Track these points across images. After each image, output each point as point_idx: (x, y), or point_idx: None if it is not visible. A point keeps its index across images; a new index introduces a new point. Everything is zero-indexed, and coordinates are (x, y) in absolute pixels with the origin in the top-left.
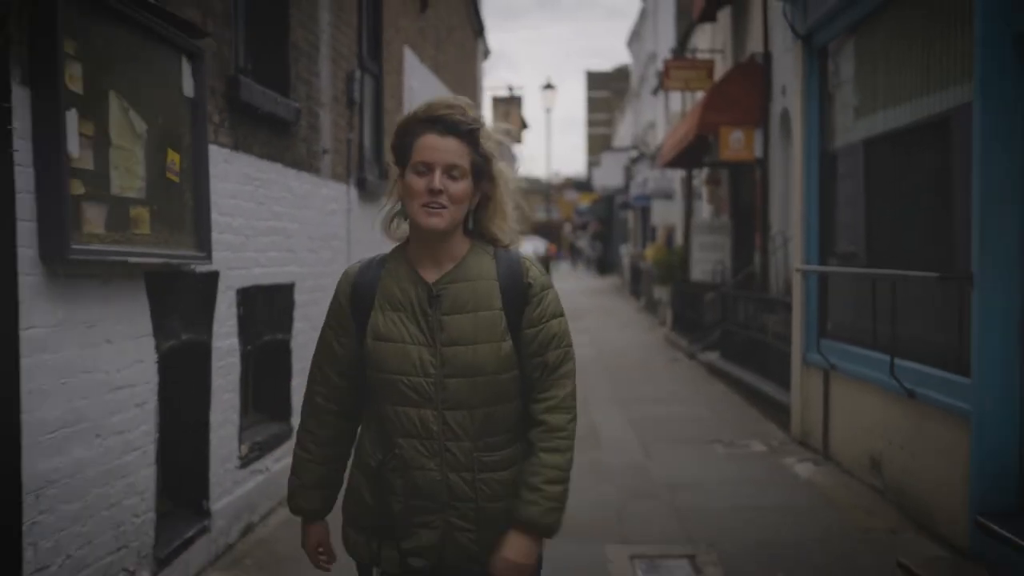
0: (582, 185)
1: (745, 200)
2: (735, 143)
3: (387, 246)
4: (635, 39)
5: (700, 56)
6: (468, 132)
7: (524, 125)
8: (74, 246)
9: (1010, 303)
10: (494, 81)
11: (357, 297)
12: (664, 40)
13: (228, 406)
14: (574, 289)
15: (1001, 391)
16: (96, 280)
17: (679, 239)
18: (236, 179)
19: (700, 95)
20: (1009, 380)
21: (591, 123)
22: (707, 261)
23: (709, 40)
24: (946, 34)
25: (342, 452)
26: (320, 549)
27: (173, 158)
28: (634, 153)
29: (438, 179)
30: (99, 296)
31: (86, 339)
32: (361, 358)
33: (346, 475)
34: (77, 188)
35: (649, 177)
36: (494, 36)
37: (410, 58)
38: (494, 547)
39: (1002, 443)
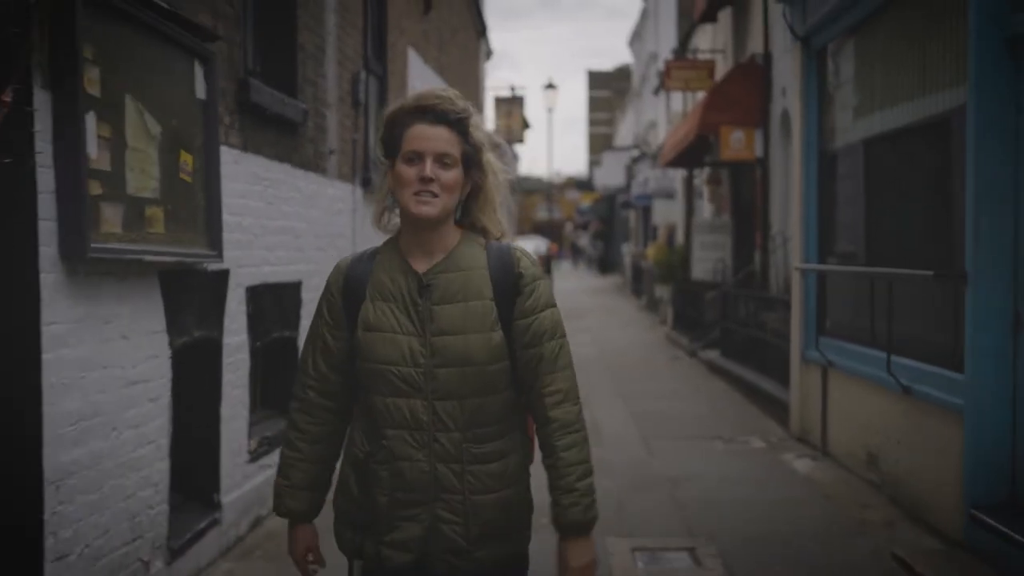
0: (583, 184)
1: (746, 199)
2: (736, 143)
3: None
4: (636, 39)
5: (701, 56)
6: (457, 121)
7: (526, 125)
8: (93, 245)
9: (1003, 301)
10: (496, 81)
11: (349, 290)
12: (665, 40)
13: (238, 402)
14: (575, 288)
15: (994, 387)
16: (113, 278)
17: (680, 238)
18: (246, 179)
19: (701, 95)
20: (1002, 376)
21: (592, 122)
22: (708, 260)
23: (710, 40)
24: (943, 36)
25: (333, 452)
26: (310, 556)
27: (186, 159)
28: (635, 152)
29: (429, 167)
30: (115, 293)
31: (103, 335)
32: (352, 349)
33: (334, 477)
34: (95, 188)
35: (650, 176)
36: (496, 36)
37: (414, 59)
38: (480, 541)
39: (995, 437)
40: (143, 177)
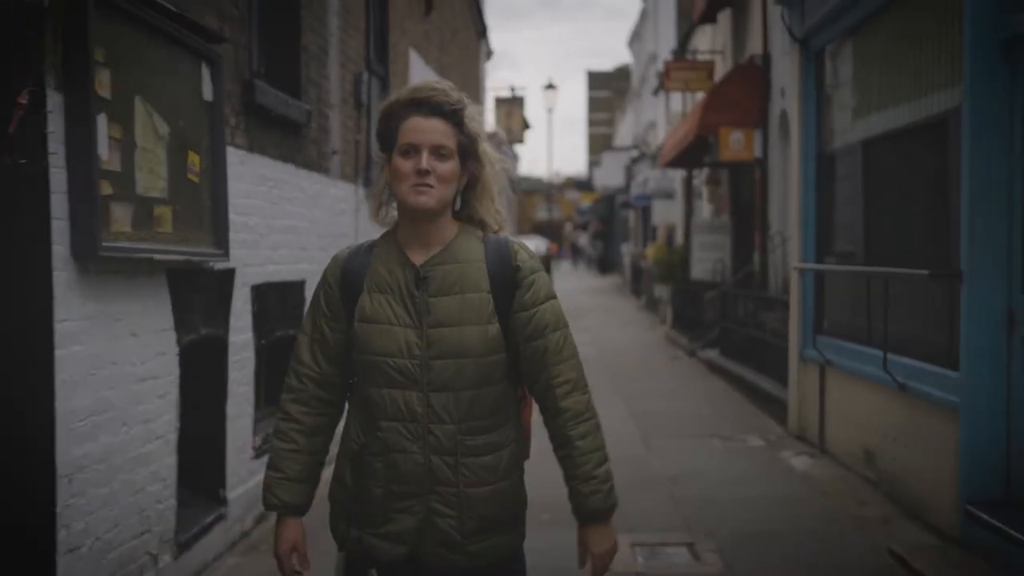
0: (583, 185)
1: (745, 200)
2: (735, 143)
3: None
4: (636, 39)
5: (700, 57)
6: (452, 112)
7: (526, 125)
8: (104, 244)
9: (997, 300)
10: (497, 82)
11: (347, 282)
12: (665, 41)
13: (243, 399)
14: (575, 288)
15: (989, 384)
16: (122, 276)
17: (679, 238)
18: (251, 180)
19: (700, 96)
20: (996, 373)
21: (592, 123)
22: (707, 260)
23: (709, 41)
24: (940, 38)
25: (326, 445)
26: (295, 554)
27: (193, 159)
28: (635, 153)
29: (425, 159)
30: (125, 291)
31: (113, 332)
32: (349, 341)
33: (323, 477)
34: (106, 188)
35: (650, 177)
36: (497, 36)
37: (415, 60)
38: (475, 535)
39: (990, 434)
40: (152, 177)
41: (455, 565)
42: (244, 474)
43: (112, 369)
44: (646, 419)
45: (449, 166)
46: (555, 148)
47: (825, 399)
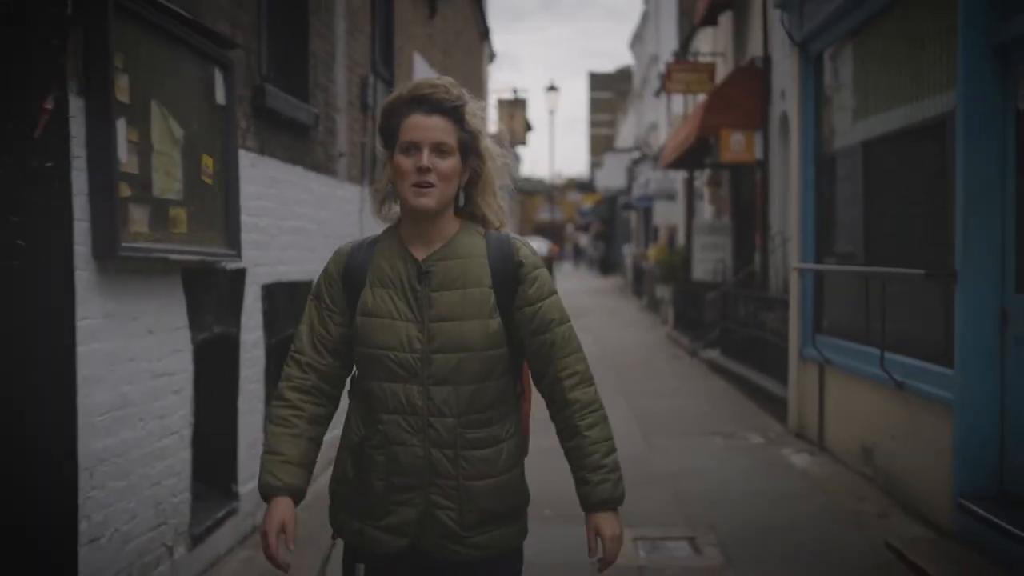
0: (585, 186)
1: (746, 201)
2: (736, 145)
3: None
4: (637, 41)
5: (702, 59)
6: (453, 109)
7: (528, 127)
8: (123, 244)
9: (991, 299)
10: (499, 84)
11: (349, 276)
12: (666, 42)
13: (254, 396)
14: (577, 289)
15: (982, 381)
16: (140, 276)
17: (681, 239)
18: (261, 182)
19: (702, 97)
20: (990, 371)
21: (594, 124)
22: (708, 261)
23: (711, 43)
24: (938, 40)
25: (322, 435)
26: (283, 529)
27: (207, 162)
28: (636, 154)
29: (426, 157)
30: (142, 290)
31: (131, 330)
32: (350, 335)
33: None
34: (124, 191)
35: (651, 178)
36: (499, 37)
37: (420, 63)
38: (475, 527)
39: (983, 430)
40: (168, 179)
41: (457, 556)
42: (255, 470)
43: (130, 366)
44: (648, 418)
45: (450, 163)
46: (557, 149)
47: (824, 397)
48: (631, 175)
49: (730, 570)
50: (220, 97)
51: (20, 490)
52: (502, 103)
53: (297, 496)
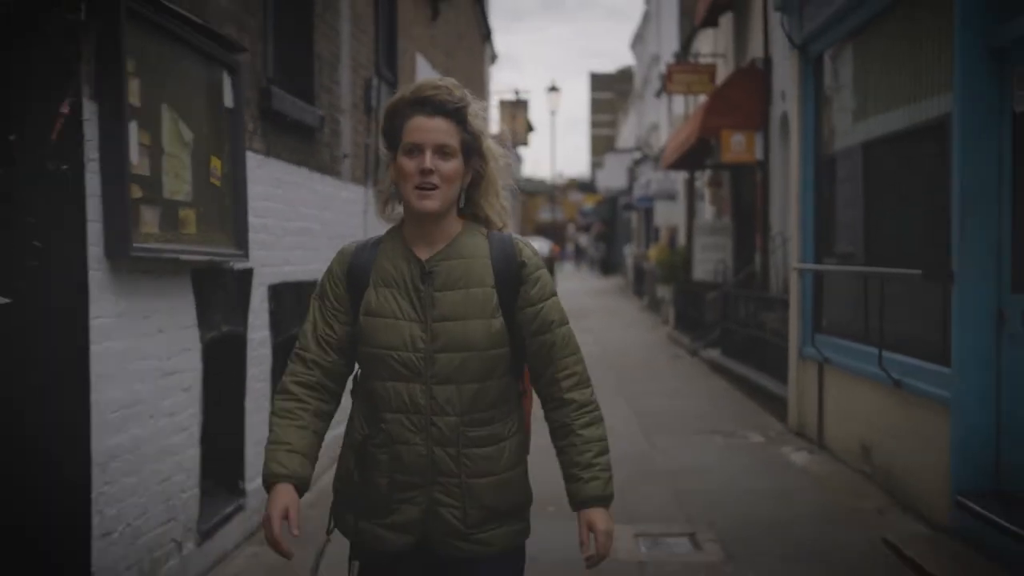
0: (586, 186)
1: (746, 201)
2: (736, 146)
3: None
4: (638, 41)
5: (702, 60)
6: (455, 111)
7: (530, 128)
8: (134, 244)
9: (987, 299)
10: (500, 85)
11: (353, 276)
12: (667, 43)
13: (260, 394)
14: (578, 289)
15: (978, 380)
16: (150, 276)
17: (682, 240)
18: (268, 183)
19: (702, 98)
20: (986, 370)
21: (595, 124)
22: (709, 261)
23: (711, 44)
24: (936, 42)
25: (324, 431)
26: (287, 516)
27: (215, 164)
28: (637, 155)
29: (428, 159)
30: (153, 290)
31: (142, 329)
32: (354, 334)
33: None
34: (136, 192)
35: (652, 179)
36: (500, 38)
37: (422, 65)
38: (479, 525)
39: (979, 428)
40: (177, 181)
41: (461, 553)
42: (261, 467)
43: (141, 364)
44: (649, 417)
45: (453, 165)
46: (558, 149)
47: (823, 396)
48: (632, 175)
49: (730, 565)
50: (228, 100)
51: (35, 485)
52: (504, 104)
53: (301, 486)
